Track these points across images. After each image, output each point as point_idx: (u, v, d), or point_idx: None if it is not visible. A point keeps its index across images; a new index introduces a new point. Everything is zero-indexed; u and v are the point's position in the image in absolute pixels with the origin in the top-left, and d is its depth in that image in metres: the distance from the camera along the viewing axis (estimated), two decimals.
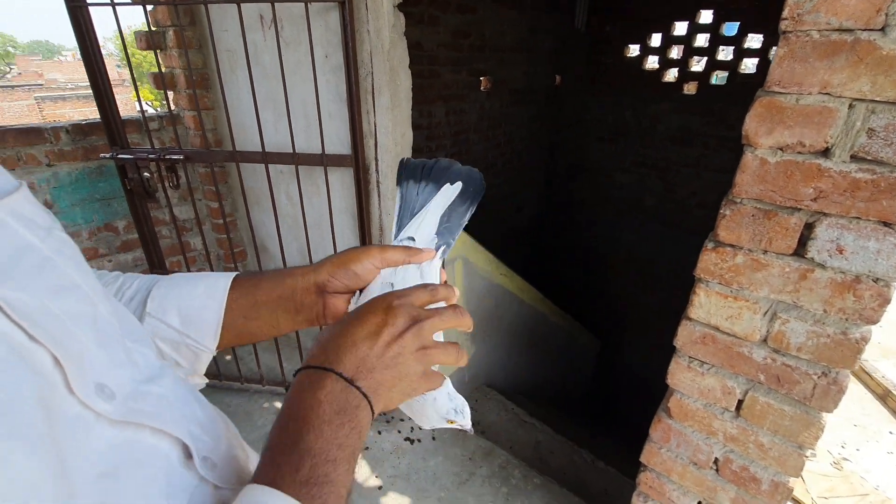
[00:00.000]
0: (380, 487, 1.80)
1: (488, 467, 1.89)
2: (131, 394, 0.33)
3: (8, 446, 0.22)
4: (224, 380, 2.23)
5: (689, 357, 1.01)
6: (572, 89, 4.90)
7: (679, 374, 1.04)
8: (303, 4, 1.45)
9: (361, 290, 0.48)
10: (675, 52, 4.36)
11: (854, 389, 2.57)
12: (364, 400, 0.37)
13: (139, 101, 1.81)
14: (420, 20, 3.16)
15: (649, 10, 4.30)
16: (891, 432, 2.18)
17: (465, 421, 0.48)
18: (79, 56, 1.61)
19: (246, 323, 0.49)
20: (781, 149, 0.78)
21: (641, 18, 4.39)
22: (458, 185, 0.55)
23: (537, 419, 2.36)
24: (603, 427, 3.99)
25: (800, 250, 0.81)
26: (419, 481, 1.83)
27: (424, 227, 0.53)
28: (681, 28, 4.26)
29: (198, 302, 0.47)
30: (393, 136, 1.59)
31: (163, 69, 2.17)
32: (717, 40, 4.05)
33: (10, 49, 45.58)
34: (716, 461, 1.05)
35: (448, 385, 0.48)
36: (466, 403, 0.49)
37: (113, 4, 1.49)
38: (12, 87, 23.68)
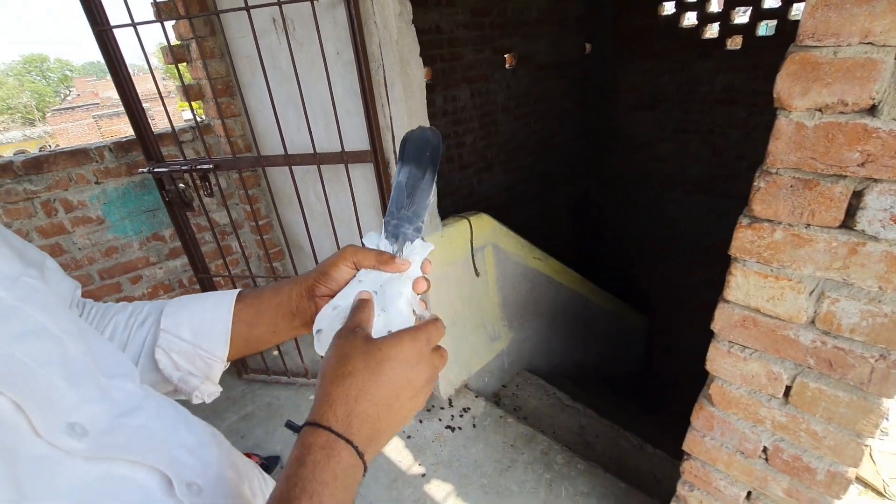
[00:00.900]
0: (423, 475, 1.83)
1: (530, 454, 1.88)
2: (106, 428, 0.34)
3: None
4: (272, 374, 2.33)
5: (729, 342, 0.94)
6: (604, 57, 4.66)
7: (719, 360, 0.98)
8: (309, 3, 1.44)
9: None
10: (715, 5, 4.03)
11: None
12: (363, 464, 0.37)
13: (167, 115, 1.88)
14: (437, 3, 3.09)
15: None
16: None
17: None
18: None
19: (250, 330, 0.52)
20: (820, 110, 0.70)
21: None
22: (403, 164, 0.50)
23: (581, 403, 2.31)
24: (654, 408, 3.87)
25: (848, 222, 0.73)
26: (461, 468, 1.85)
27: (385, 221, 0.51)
28: None
29: (208, 315, 0.52)
30: (409, 127, 1.57)
31: (190, 80, 2.25)
32: None
33: (68, 73, 49.04)
34: (765, 450, 0.98)
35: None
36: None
37: (134, 25, 1.54)
38: (73, 108, 25.52)
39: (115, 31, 1.61)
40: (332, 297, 0.49)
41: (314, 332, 0.47)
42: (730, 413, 1.01)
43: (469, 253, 1.94)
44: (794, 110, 0.72)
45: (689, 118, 4.48)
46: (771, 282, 0.84)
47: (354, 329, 0.42)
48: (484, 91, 3.68)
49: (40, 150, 2.32)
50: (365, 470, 0.37)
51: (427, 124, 1.64)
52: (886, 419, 1.78)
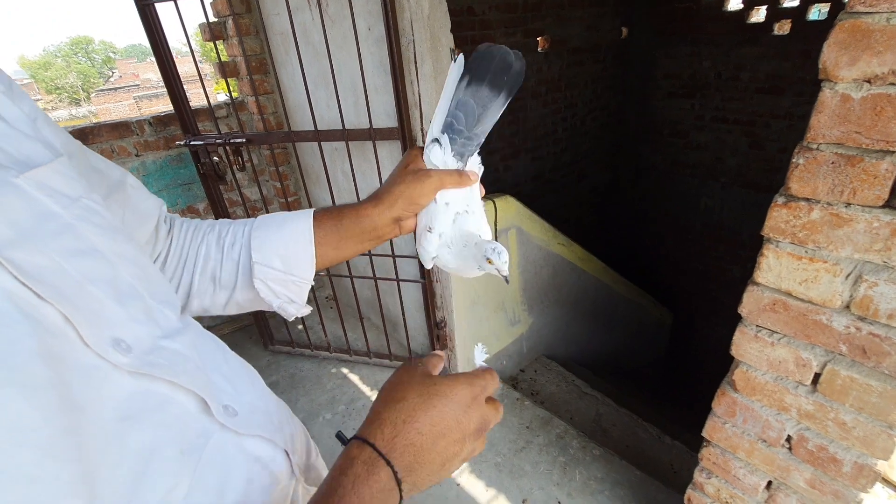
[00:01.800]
0: None
1: (545, 436, 1.88)
2: (149, 348, 0.36)
3: (4, 392, 0.25)
4: (297, 347, 2.40)
5: (757, 326, 0.92)
6: (641, 42, 4.51)
7: (745, 345, 0.95)
8: None
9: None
10: None
11: None
12: (398, 492, 0.38)
13: (204, 90, 1.93)
14: None
15: None
16: None
17: (500, 263, 0.50)
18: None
19: (337, 253, 0.58)
20: (869, 81, 0.66)
21: None
22: (460, 60, 0.49)
23: (599, 391, 2.30)
24: (675, 403, 3.80)
25: (892, 201, 0.69)
26: None
27: (435, 119, 0.55)
28: None
29: (292, 245, 0.56)
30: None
31: (226, 58, 2.30)
32: None
33: (111, 55, 50.79)
34: (788, 439, 0.96)
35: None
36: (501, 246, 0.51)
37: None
38: (115, 89, 26.50)
39: (156, 5, 1.65)
40: (414, 216, 0.58)
41: (429, 258, 0.56)
42: (754, 400, 0.98)
43: (492, 234, 1.93)
44: (840, 81, 0.68)
45: (729, 107, 4.30)
46: (805, 263, 0.81)
47: (418, 363, 0.44)
48: None
49: None
50: (401, 500, 0.38)
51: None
52: None
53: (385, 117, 1.73)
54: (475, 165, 0.58)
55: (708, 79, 4.34)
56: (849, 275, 0.77)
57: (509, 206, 1.97)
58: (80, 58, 46.70)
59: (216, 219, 1.98)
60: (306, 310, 0.60)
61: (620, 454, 1.79)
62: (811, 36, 3.67)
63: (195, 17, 2.12)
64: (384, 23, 1.47)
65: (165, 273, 0.55)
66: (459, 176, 0.56)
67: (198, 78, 1.76)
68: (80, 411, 0.29)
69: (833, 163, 0.73)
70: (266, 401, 0.49)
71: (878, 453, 0.84)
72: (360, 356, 2.29)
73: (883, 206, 0.71)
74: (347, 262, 1.96)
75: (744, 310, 0.93)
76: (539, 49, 3.73)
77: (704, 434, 1.12)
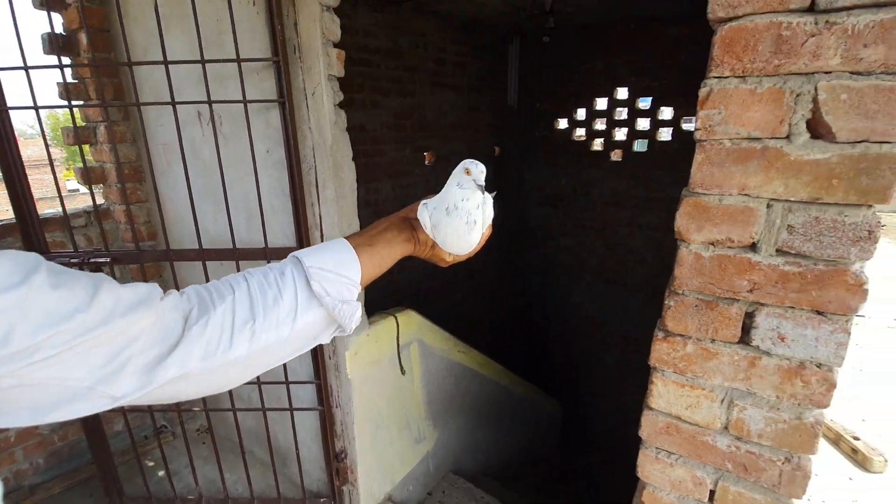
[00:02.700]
0: None
1: None
2: None
3: None
4: (155, 502, 1.94)
5: (657, 448, 0.99)
6: (512, 160, 5.20)
7: (649, 466, 1.01)
8: (242, 105, 1.44)
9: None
10: (600, 124, 4.78)
11: None
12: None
13: (59, 195, 1.68)
14: (363, 105, 3.28)
15: (573, 88, 4.74)
16: (850, 478, 2.23)
17: (477, 171, 0.71)
18: None
19: (378, 273, 0.68)
20: (713, 244, 0.83)
21: (566, 95, 4.82)
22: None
23: None
24: (573, 491, 3.84)
25: (745, 338, 0.84)
26: None
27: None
28: (602, 103, 4.71)
29: (337, 253, 0.63)
30: (339, 227, 1.57)
31: (93, 163, 2.07)
32: (635, 112, 4.50)
33: None
34: None
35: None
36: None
37: (36, 108, 1.42)
38: None
39: (10, 111, 1.46)
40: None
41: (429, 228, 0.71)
42: None
43: (395, 350, 1.88)
44: (692, 242, 0.84)
45: (585, 215, 5.05)
46: (687, 391, 0.92)
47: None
48: (405, 185, 3.86)
49: None
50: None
51: (357, 223, 1.65)
52: None
53: (282, 236, 1.67)
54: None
55: (566, 192, 5.10)
56: (723, 400, 0.89)
57: (411, 321, 1.96)
58: None
59: None
60: (358, 314, 0.64)
61: None
62: (638, 163, 4.60)
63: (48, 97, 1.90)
64: (285, 149, 1.47)
65: None
66: None
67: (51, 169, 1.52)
68: None
69: (696, 306, 0.87)
70: None
71: None
72: None
73: (739, 343, 0.85)
74: (230, 392, 1.72)
75: (643, 433, 1.00)
76: (426, 162, 4.07)
77: None
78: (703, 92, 0.78)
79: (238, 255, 1.59)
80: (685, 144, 4.17)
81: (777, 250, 0.78)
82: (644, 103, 4.46)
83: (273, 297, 0.58)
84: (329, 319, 0.62)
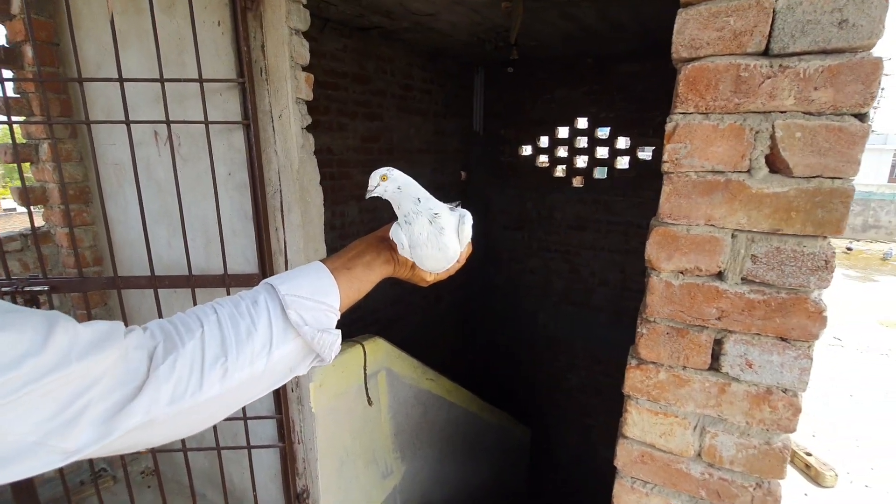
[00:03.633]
0: None
1: None
2: None
3: None
4: None
5: (632, 478, 0.98)
6: (478, 184, 5.27)
7: (625, 497, 1.00)
8: (203, 125, 1.39)
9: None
10: (562, 152, 4.94)
11: None
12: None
13: None
14: (329, 128, 3.25)
15: (536, 116, 4.90)
16: (805, 494, 2.31)
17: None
18: None
19: (357, 297, 0.67)
20: (682, 272, 0.84)
21: (530, 123, 4.97)
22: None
23: None
24: None
25: (715, 365, 0.85)
26: None
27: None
28: (563, 132, 4.88)
29: (313, 278, 0.60)
30: (305, 252, 1.51)
31: (32, 182, 1.93)
32: (595, 141, 4.69)
33: None
34: None
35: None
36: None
37: None
38: None
39: None
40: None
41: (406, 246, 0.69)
42: None
43: (362, 380, 1.81)
44: (663, 271, 0.86)
45: (550, 238, 5.16)
46: (661, 418, 0.92)
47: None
48: (371, 208, 3.82)
49: None
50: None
51: (324, 249, 1.60)
52: None
53: (243, 262, 1.59)
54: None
55: (531, 216, 5.21)
56: (695, 427, 0.89)
57: (378, 349, 1.90)
58: None
59: None
60: (338, 343, 0.60)
61: None
62: (599, 189, 4.77)
63: None
64: (249, 172, 1.42)
65: None
66: None
67: None
68: None
69: (668, 333, 0.88)
70: None
71: None
72: None
73: (709, 369, 0.86)
74: None
75: (618, 462, 0.99)
76: None
77: None
78: (669, 126, 0.81)
79: (194, 282, 1.50)
80: (642, 172, 4.37)
81: (742, 279, 0.80)
82: (603, 132, 4.66)
83: (246, 328, 0.53)
84: (307, 350, 0.58)
